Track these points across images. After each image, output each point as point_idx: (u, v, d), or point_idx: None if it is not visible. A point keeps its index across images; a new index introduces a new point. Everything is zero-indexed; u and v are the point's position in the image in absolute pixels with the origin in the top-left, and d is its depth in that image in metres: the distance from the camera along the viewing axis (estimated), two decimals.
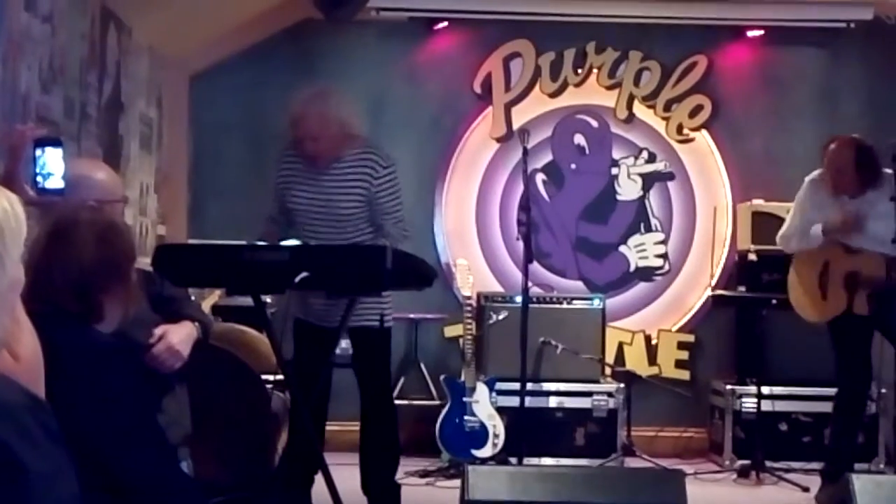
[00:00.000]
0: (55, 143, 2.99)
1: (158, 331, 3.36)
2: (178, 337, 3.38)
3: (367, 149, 4.89)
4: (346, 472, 4.77)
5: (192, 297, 4.20)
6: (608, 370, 6.83)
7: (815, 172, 5.72)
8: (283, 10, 6.82)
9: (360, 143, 4.92)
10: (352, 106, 5.02)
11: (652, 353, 7.21)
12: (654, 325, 7.26)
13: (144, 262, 3.93)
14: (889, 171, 5.50)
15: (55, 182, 2.95)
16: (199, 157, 7.16)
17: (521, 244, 5.73)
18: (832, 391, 6.54)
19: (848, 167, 5.52)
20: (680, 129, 7.28)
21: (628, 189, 7.31)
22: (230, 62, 7.13)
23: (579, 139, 7.33)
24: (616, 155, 7.31)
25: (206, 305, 5.76)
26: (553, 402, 6.60)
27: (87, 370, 2.55)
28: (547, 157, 7.27)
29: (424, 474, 6.10)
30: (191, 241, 6.51)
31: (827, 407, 6.48)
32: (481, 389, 6.38)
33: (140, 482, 2.58)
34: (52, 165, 2.95)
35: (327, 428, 5.04)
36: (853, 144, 5.58)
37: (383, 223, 4.82)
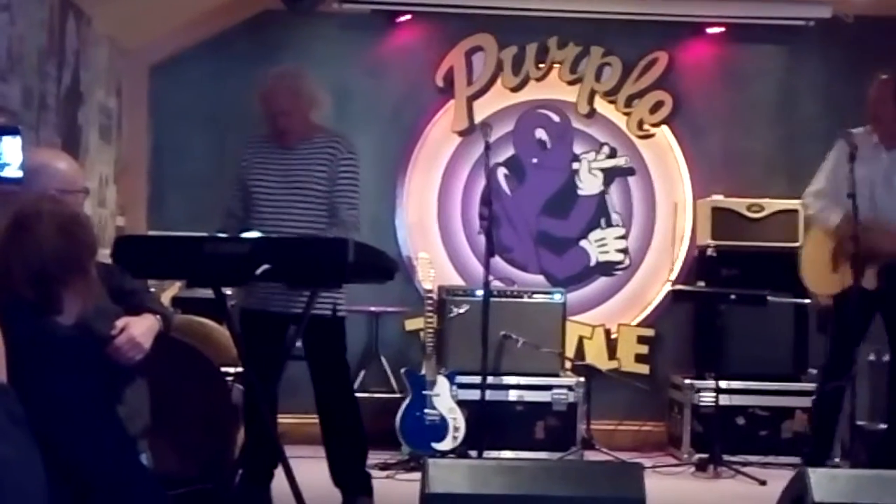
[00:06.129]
0: (13, 131, 2.96)
1: (120, 323, 3.34)
2: (140, 329, 3.36)
3: (335, 136, 4.96)
4: (304, 465, 4.76)
5: (152, 290, 4.17)
6: (568, 364, 6.85)
7: (855, 130, 5.52)
8: (245, 0, 6.79)
9: (329, 131, 4.98)
10: (322, 90, 5.03)
11: (612, 348, 7.24)
12: (614, 319, 7.29)
13: (104, 253, 3.90)
14: None
15: (13, 171, 2.92)
16: (158, 147, 7.11)
17: (482, 238, 5.74)
18: (789, 386, 6.64)
19: (889, 100, 5.39)
20: (641, 124, 7.31)
21: (589, 184, 7.33)
22: (190, 53, 7.08)
23: (541, 134, 7.34)
24: (577, 150, 7.32)
25: (166, 297, 5.73)
26: (513, 395, 6.62)
27: (45, 361, 2.53)
28: (508, 152, 7.28)
29: (385, 467, 6.10)
30: (150, 233, 6.47)
31: (784, 401, 6.63)
32: (442, 383, 6.39)
33: (99, 473, 2.57)
34: (10, 155, 2.93)
35: (285, 421, 5.02)
36: (893, 79, 5.45)
37: (337, 208, 4.81)
